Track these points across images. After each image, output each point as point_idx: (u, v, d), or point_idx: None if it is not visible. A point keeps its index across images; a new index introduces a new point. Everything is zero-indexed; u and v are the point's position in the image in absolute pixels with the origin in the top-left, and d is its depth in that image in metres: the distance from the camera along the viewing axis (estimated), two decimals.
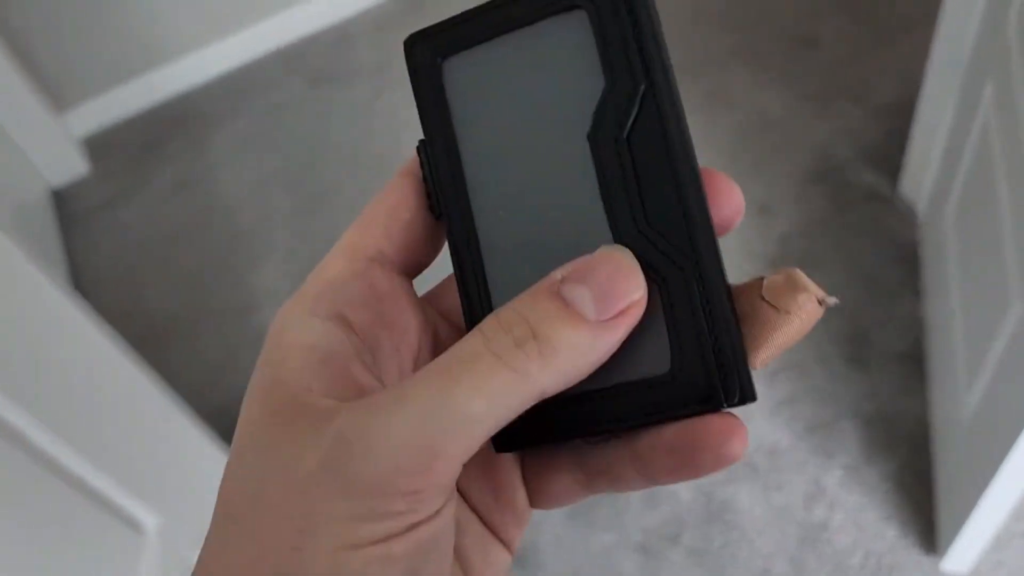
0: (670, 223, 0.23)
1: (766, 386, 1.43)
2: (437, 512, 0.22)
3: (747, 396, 0.23)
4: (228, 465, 0.23)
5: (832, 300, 0.23)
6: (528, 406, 0.22)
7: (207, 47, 2.25)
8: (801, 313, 0.23)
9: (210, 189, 2.05)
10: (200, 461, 1.13)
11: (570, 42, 0.24)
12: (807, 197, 1.67)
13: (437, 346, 0.28)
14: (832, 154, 1.73)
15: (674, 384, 0.23)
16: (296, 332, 0.24)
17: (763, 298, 0.23)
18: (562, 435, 0.25)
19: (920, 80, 1.47)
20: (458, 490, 0.26)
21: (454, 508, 0.23)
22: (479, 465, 0.27)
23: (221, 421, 1.65)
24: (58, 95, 2.15)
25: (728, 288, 0.23)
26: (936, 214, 1.44)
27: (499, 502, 0.27)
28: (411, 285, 0.27)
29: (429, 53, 0.26)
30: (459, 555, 0.26)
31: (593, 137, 0.24)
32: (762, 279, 0.24)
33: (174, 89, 2.26)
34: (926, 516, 1.30)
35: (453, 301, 0.28)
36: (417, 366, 0.27)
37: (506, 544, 0.27)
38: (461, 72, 0.26)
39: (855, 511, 1.32)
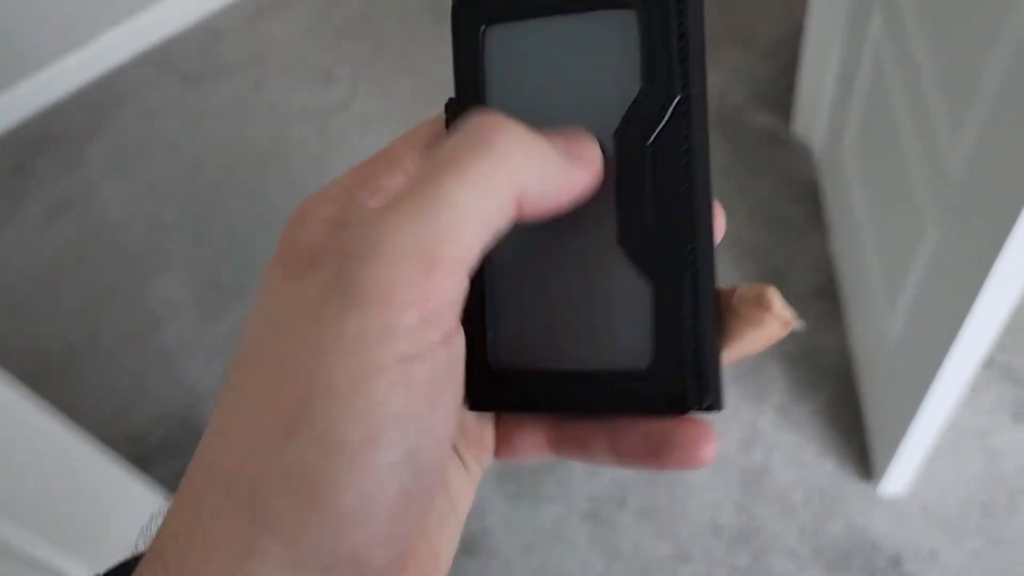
0: (675, 230, 0.24)
1: None
2: (449, 338, 0.21)
3: (716, 404, 0.23)
4: (241, 332, 0.23)
5: (797, 324, 0.24)
6: (510, 203, 0.22)
7: (66, 57, 2.11)
8: (766, 329, 0.24)
9: (90, 207, 1.93)
10: (122, 501, 1.06)
11: (614, 37, 0.25)
12: None
13: None
14: (726, 99, 1.73)
15: (649, 381, 0.24)
16: (320, 205, 0.24)
17: (732, 307, 0.24)
18: (535, 408, 0.26)
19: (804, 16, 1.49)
20: None
21: (463, 348, 0.23)
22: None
23: (137, 448, 1.57)
24: None
25: (716, 302, 0.24)
26: (834, 150, 1.46)
27: (466, 437, 0.28)
28: None
29: (475, 17, 0.27)
30: None
31: (619, 136, 0.24)
32: (735, 288, 0.24)
33: (37, 105, 2.12)
34: (859, 445, 1.33)
35: None
36: None
37: (468, 470, 0.28)
38: (502, 41, 0.26)
39: (792, 449, 1.34)
